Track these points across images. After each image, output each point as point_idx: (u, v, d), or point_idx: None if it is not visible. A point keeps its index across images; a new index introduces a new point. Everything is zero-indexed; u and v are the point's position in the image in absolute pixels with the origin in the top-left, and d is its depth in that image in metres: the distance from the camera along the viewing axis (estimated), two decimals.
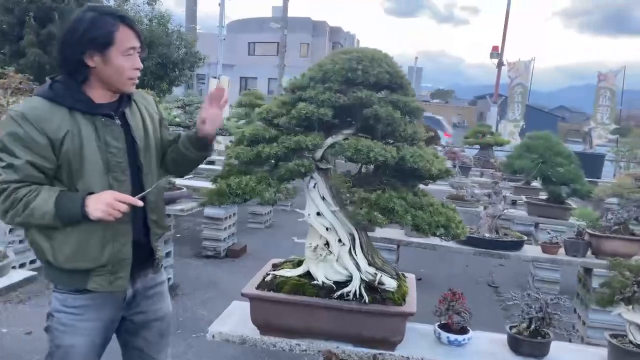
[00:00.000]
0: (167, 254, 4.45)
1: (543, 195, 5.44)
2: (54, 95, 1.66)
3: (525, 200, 5.17)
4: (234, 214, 5.77)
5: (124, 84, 1.72)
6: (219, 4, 16.97)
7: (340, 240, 1.90)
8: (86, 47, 1.63)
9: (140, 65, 1.74)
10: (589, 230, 3.51)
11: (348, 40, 47.82)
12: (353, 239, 1.90)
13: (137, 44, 1.71)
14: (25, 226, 1.71)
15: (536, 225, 5.15)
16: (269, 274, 2.01)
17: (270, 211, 7.33)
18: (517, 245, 3.60)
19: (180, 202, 4.19)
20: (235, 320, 2.06)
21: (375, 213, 1.68)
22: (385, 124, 1.73)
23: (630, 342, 1.87)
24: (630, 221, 3.43)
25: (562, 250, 3.59)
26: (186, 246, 5.75)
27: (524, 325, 1.95)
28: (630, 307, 1.85)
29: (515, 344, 1.93)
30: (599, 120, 11.37)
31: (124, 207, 1.61)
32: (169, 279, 4.50)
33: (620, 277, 1.79)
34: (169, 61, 13.50)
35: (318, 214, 1.88)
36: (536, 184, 5.93)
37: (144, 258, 1.88)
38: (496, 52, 16.47)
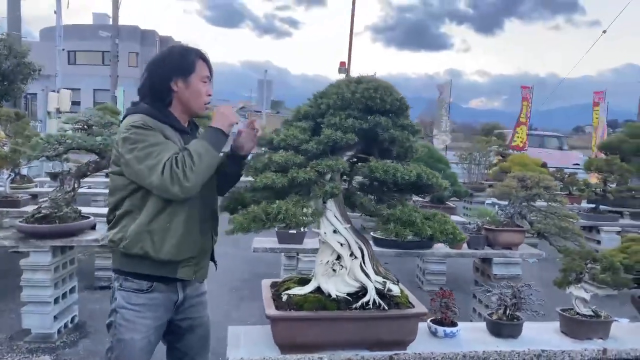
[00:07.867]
0: (72, 290, 4.05)
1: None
2: (153, 113, 1.95)
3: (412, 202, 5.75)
4: None
5: (200, 107, 2.05)
6: (55, 12, 15.47)
7: (351, 254, 2.04)
8: (174, 74, 1.97)
9: (212, 92, 2.08)
10: (485, 226, 4.10)
11: None
12: (362, 252, 2.06)
13: (209, 74, 2.05)
14: (197, 180, 1.85)
15: None
16: (280, 295, 2.07)
17: None
18: (430, 244, 4.04)
19: (87, 232, 3.85)
20: (247, 344, 2.07)
21: (400, 227, 1.87)
22: (400, 146, 1.93)
23: (577, 313, 2.33)
24: (515, 216, 4.09)
25: (465, 245, 4.14)
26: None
27: (501, 311, 2.29)
28: (578, 285, 2.31)
29: (496, 329, 2.26)
30: (443, 129, 13.02)
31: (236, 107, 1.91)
32: (74, 316, 4.10)
33: (576, 262, 2.22)
34: None
35: (334, 231, 2.00)
36: None
37: None
38: (343, 67, 17.78)
